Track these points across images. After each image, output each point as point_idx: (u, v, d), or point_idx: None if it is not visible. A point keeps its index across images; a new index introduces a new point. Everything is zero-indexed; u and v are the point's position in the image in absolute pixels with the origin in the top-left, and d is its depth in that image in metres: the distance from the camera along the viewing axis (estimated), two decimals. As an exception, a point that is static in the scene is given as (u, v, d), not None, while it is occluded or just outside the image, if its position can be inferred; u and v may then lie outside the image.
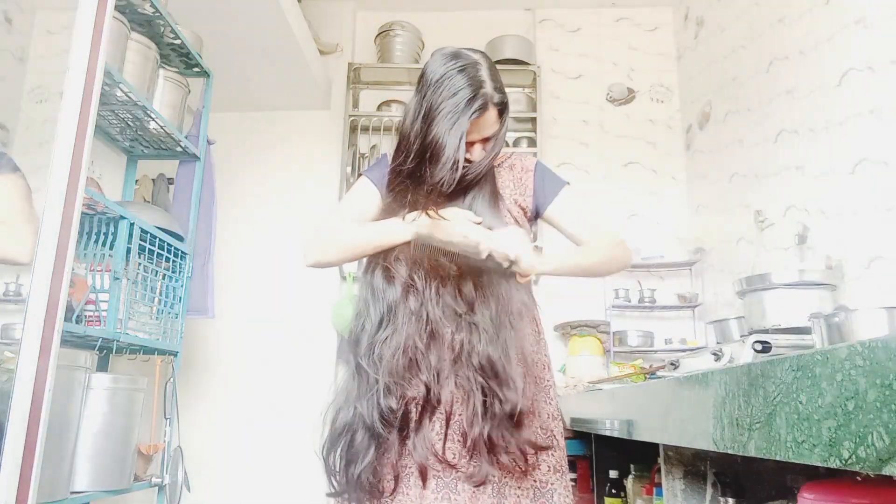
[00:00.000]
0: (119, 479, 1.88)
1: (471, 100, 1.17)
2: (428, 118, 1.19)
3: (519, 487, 1.15)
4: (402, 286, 1.18)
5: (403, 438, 1.15)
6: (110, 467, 1.85)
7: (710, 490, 1.08)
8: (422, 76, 1.23)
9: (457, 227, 1.18)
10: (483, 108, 1.18)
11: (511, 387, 1.10)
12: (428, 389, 1.14)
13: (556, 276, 1.35)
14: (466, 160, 1.23)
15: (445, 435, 1.14)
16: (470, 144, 1.23)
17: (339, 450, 1.16)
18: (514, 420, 1.10)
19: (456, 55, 1.21)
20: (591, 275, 1.33)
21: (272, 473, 3.24)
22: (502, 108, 1.23)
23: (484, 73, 1.20)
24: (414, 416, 1.15)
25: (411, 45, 3.69)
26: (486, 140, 1.25)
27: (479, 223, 1.20)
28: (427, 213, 1.20)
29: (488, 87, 1.19)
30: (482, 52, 1.26)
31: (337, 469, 1.17)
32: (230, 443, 3.26)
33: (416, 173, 1.23)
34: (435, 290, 1.17)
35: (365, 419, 1.13)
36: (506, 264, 1.13)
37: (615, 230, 1.34)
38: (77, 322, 1.80)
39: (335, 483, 1.17)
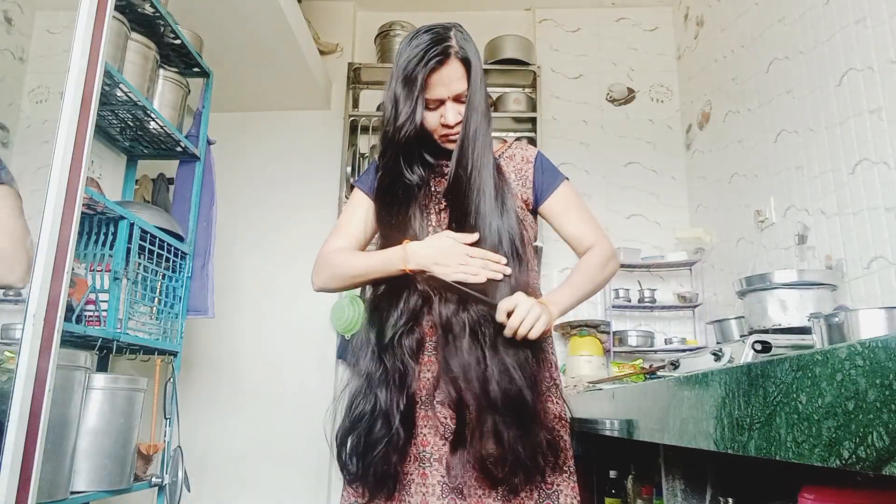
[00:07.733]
0: (119, 479, 1.88)
1: (428, 49, 1.16)
2: (393, 79, 1.20)
3: (523, 489, 1.14)
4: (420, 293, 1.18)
5: (416, 432, 1.15)
6: (110, 467, 1.85)
7: (710, 490, 1.08)
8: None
9: (451, 254, 1.13)
10: (442, 56, 1.16)
11: (525, 384, 1.09)
12: (439, 384, 1.14)
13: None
14: (446, 126, 1.21)
15: (455, 435, 1.13)
16: (440, 103, 1.20)
17: (354, 438, 1.14)
18: (524, 419, 1.09)
19: (424, 26, 1.23)
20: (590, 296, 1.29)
21: (272, 473, 3.24)
22: (468, 64, 1.19)
23: (450, 33, 1.20)
24: (426, 411, 1.16)
25: (411, 45, 3.68)
26: (458, 101, 1.21)
27: (471, 244, 1.15)
28: (409, 242, 1.17)
29: (452, 42, 1.18)
30: (457, 25, 1.24)
31: (350, 457, 1.15)
32: (230, 443, 3.26)
33: (399, 160, 1.22)
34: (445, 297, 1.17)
35: (383, 408, 1.12)
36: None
37: (607, 244, 1.31)
38: (77, 322, 1.79)
39: (347, 471, 1.15)
